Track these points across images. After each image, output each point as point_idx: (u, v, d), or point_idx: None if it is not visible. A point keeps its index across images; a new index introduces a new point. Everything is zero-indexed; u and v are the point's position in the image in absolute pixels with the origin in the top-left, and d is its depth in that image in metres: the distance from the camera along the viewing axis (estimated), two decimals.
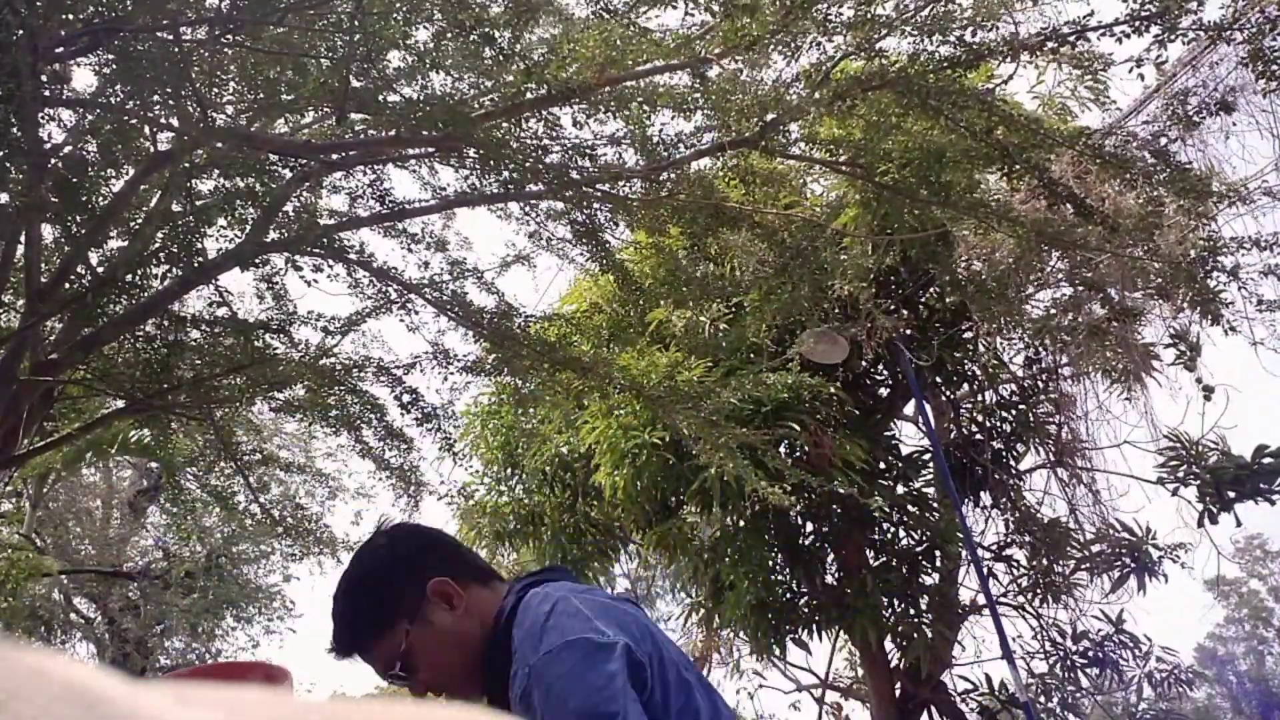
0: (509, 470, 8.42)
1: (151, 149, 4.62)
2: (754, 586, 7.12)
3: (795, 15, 4.18)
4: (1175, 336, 6.24)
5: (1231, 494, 6.58)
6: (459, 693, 1.21)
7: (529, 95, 4.57)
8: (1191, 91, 5.35)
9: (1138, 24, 3.96)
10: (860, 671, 8.34)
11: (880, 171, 5.26)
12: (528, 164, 4.43)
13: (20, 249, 4.81)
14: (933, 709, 7.33)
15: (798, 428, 6.52)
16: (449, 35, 4.40)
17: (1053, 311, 7.11)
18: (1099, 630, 7.62)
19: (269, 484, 9.10)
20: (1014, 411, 8.16)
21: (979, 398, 8.38)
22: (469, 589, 1.27)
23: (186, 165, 4.70)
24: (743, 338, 6.85)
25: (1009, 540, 8.05)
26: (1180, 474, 6.96)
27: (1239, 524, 6.74)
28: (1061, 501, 7.97)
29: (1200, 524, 6.82)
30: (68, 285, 4.83)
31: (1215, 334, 5.70)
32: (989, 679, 7.67)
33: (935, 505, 7.53)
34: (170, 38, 4.00)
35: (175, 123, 4.35)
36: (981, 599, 7.22)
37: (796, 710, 9.38)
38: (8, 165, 3.89)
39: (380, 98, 4.56)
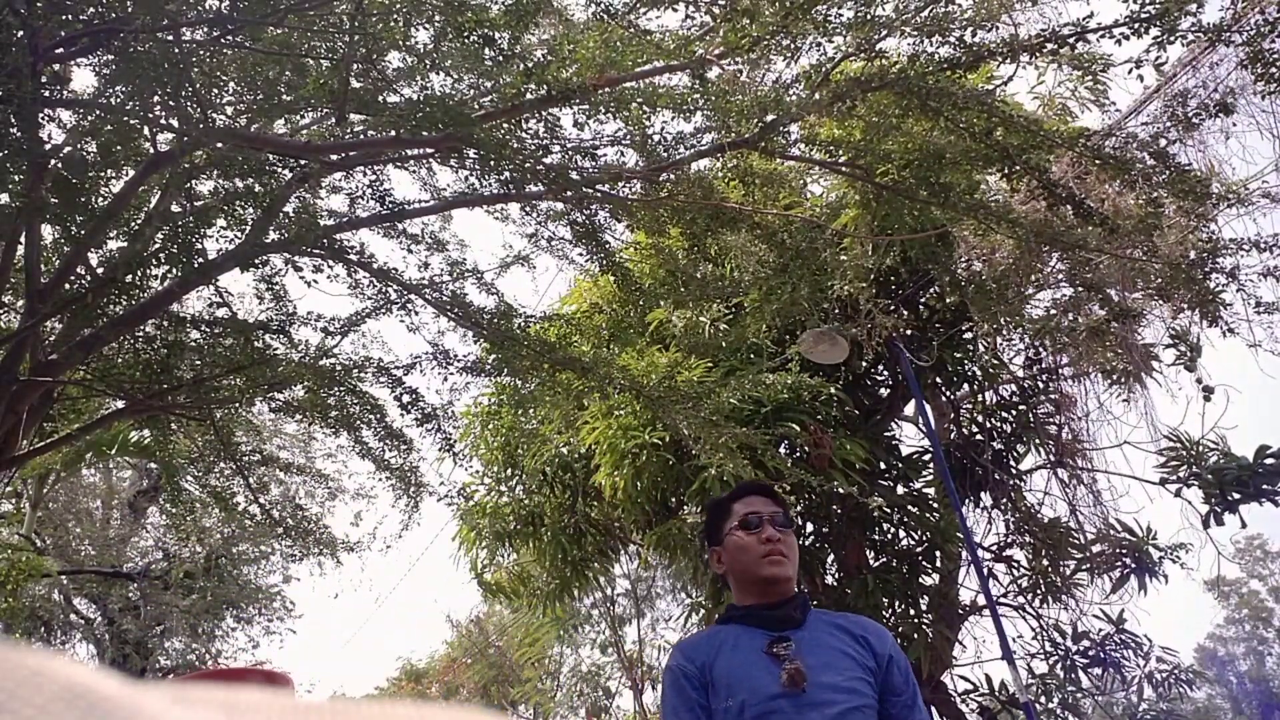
0: (509, 471, 8.41)
1: (151, 149, 4.62)
2: None
3: (795, 16, 4.17)
4: (1175, 337, 6.23)
5: (1235, 495, 6.57)
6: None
7: (529, 96, 4.57)
8: (1191, 93, 5.34)
9: (1137, 26, 3.96)
10: None
11: (880, 172, 5.26)
12: (528, 164, 4.43)
13: (20, 249, 4.81)
14: (933, 709, 7.32)
15: (798, 428, 6.52)
16: (449, 36, 4.40)
17: (1053, 312, 7.10)
18: (1099, 630, 7.62)
19: (269, 484, 9.10)
20: (1014, 412, 8.16)
21: (979, 398, 8.37)
22: None
23: (186, 165, 4.70)
24: (743, 338, 6.84)
25: (1009, 540, 8.04)
26: (1181, 474, 6.95)
27: (1244, 525, 6.73)
28: (1062, 502, 7.96)
29: (1206, 525, 6.81)
30: (68, 285, 4.83)
31: (1214, 335, 5.70)
32: (989, 679, 7.67)
33: (935, 505, 7.52)
34: (170, 38, 4.00)
35: (175, 123, 4.35)
36: (981, 599, 7.22)
37: None
38: (8, 165, 3.89)
39: (380, 98, 4.56)
